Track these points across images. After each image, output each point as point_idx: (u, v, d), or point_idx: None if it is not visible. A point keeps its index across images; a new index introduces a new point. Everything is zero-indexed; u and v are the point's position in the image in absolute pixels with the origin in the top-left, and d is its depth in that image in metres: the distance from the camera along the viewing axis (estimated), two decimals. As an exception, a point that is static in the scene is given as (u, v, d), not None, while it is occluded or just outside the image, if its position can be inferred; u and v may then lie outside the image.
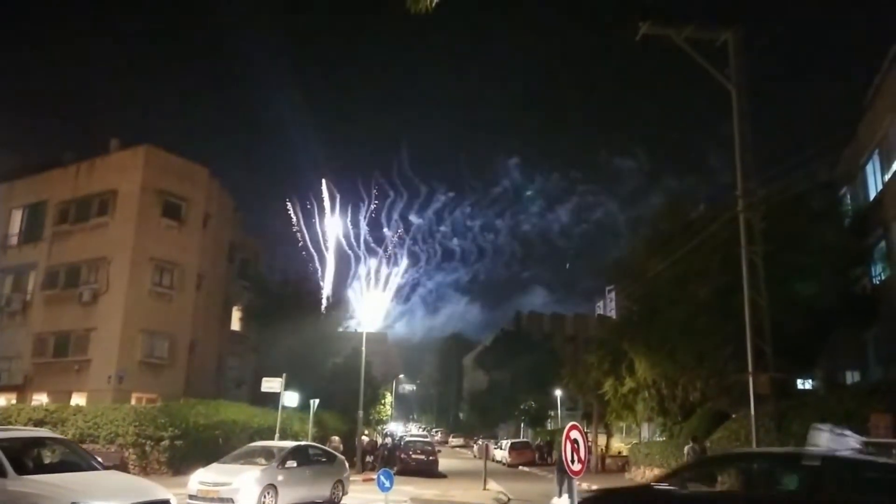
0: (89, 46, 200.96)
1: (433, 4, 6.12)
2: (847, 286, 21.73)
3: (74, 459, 10.27)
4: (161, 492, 9.55)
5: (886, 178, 20.22)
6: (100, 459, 10.82)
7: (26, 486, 8.62)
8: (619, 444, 39.64)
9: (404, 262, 45.35)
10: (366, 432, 34.97)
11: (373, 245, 48.63)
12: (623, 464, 31.57)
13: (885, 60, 20.11)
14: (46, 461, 10.14)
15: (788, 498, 7.74)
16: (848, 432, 7.65)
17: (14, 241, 32.76)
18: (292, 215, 39.93)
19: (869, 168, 22.03)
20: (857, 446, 7.49)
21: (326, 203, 41.78)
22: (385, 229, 52.51)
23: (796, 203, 21.47)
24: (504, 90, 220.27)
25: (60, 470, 9.64)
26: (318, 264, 39.92)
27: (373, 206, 50.19)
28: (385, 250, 45.10)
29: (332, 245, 40.72)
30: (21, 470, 8.90)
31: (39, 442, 10.66)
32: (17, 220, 33.08)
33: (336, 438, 26.83)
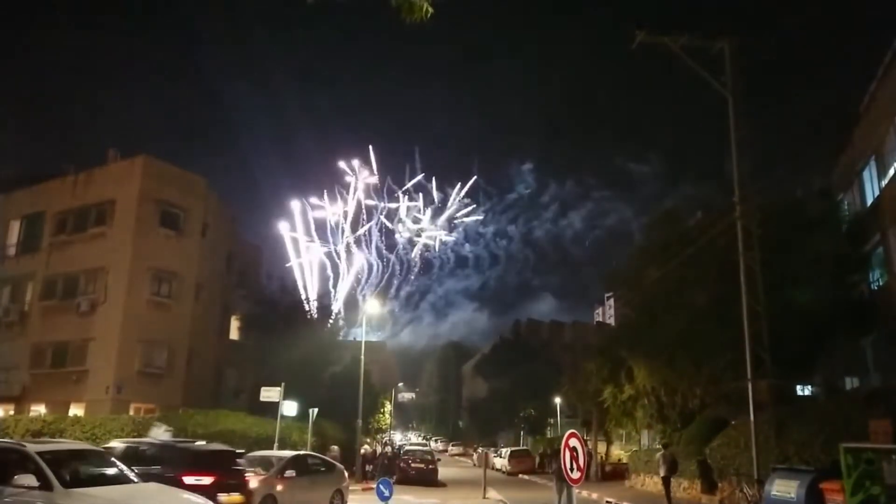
0: (87, 57, 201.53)
1: (428, 15, 6.16)
2: (845, 292, 21.73)
3: (113, 472, 9.96)
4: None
5: (883, 183, 20.28)
6: (136, 471, 10.59)
7: (74, 500, 8.39)
8: (618, 452, 39.53)
9: (415, 269, 45.60)
10: (367, 441, 34.88)
11: (384, 252, 48.70)
12: (623, 471, 31.46)
13: (881, 67, 20.21)
14: (86, 474, 9.75)
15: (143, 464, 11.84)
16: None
17: (12, 251, 32.72)
18: (293, 226, 40.09)
19: (866, 174, 22.08)
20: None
21: (330, 209, 41.99)
22: (398, 235, 52.36)
23: (793, 210, 21.54)
24: (507, 98, 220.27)
25: (102, 483, 9.34)
26: (328, 271, 40.02)
27: (383, 213, 50.24)
28: (396, 255, 45.29)
29: (341, 253, 40.86)
30: (65, 483, 8.65)
31: (79, 454, 10.37)
32: (15, 230, 33.06)
33: (335, 448, 26.74)
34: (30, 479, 8.48)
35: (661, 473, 20.67)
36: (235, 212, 37.24)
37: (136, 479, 9.96)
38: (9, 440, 12.56)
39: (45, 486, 8.42)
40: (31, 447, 9.27)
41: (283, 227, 42.07)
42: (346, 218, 43.29)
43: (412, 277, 45.55)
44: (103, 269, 29.06)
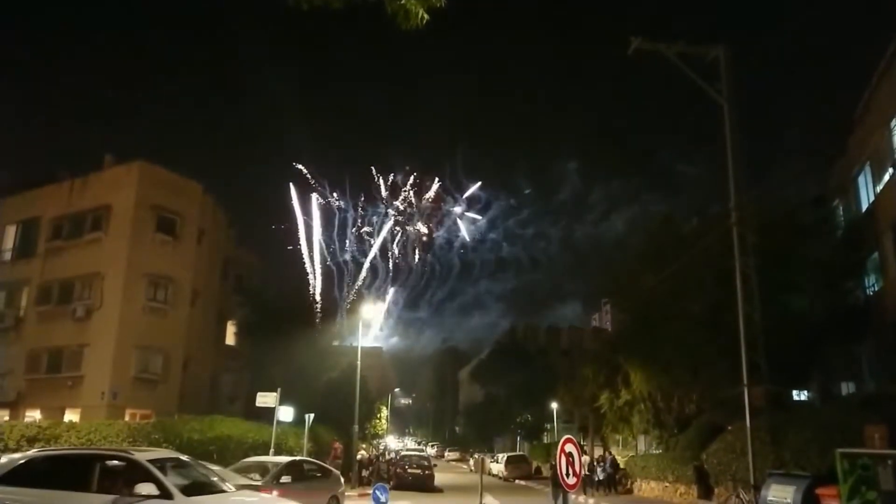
0: (82, 63, 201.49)
1: (423, 22, 6.20)
2: (840, 298, 21.81)
3: (210, 481, 9.67)
4: None
5: (878, 189, 20.38)
6: (226, 479, 10.30)
7: None
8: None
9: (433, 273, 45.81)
10: (363, 446, 34.89)
11: (401, 259, 48.84)
12: (620, 476, 31.45)
13: (875, 75, 20.33)
14: (188, 482, 9.38)
15: None
16: None
17: (7, 256, 32.62)
18: (299, 230, 40.11)
19: (861, 180, 22.19)
20: None
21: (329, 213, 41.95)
22: (431, 236, 52.55)
23: (789, 216, 21.63)
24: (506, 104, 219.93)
25: (205, 491, 9.09)
26: (336, 277, 39.98)
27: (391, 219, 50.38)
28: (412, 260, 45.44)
29: (374, 258, 40.81)
30: (181, 492, 8.39)
31: (180, 463, 10.04)
32: (10, 235, 32.94)
33: (339, 446, 27.09)
34: (150, 489, 8.16)
35: (583, 472, 25.84)
36: (233, 217, 37.17)
37: (228, 488, 9.74)
38: (116, 448, 12.11)
39: (165, 495, 8.17)
40: (140, 455, 8.94)
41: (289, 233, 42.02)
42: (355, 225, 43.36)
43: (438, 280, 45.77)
44: (99, 274, 28.99)
